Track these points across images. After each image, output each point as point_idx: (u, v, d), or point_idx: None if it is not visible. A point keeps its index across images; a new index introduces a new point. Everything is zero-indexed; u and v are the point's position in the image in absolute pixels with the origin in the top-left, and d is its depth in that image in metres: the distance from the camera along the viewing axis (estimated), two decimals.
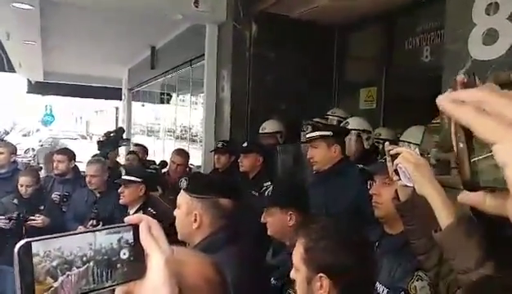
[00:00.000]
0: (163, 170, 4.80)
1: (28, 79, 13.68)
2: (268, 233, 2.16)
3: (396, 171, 1.34)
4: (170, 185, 4.02)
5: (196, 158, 5.50)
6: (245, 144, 3.64)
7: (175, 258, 0.59)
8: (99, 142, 5.11)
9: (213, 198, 1.90)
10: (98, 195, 3.68)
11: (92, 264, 0.52)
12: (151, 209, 3.07)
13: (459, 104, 0.41)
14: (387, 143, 1.50)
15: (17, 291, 0.48)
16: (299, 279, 1.35)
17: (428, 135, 2.67)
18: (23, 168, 4.46)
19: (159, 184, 4.09)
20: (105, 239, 0.54)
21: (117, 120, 18.05)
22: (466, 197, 0.47)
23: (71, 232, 0.54)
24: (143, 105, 11.68)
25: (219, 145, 4.13)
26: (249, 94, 4.65)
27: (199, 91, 6.20)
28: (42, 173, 4.77)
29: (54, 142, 15.36)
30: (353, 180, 2.44)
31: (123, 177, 3.23)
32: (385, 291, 1.64)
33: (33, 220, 3.53)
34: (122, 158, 6.07)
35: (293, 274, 1.39)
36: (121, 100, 12.56)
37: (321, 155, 2.76)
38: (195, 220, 1.84)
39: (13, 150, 4.43)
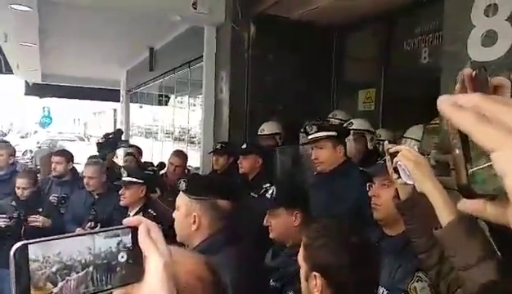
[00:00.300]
0: (161, 171, 4.78)
1: (26, 81, 13.66)
2: (271, 236, 2.12)
3: (395, 169, 1.32)
4: (169, 187, 4.01)
5: (195, 160, 5.49)
6: (245, 146, 3.63)
7: (171, 259, 0.59)
8: (98, 144, 5.09)
9: (212, 200, 1.90)
10: (96, 197, 3.66)
11: (91, 268, 0.52)
12: (152, 211, 3.06)
13: (459, 109, 0.40)
14: (386, 142, 1.49)
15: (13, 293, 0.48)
16: (302, 276, 1.36)
17: (427, 136, 2.67)
18: (21, 170, 4.44)
19: (157, 186, 4.08)
20: (104, 243, 0.54)
21: (115, 122, 18.08)
22: (466, 204, 0.46)
23: (68, 234, 0.54)
24: (141, 107, 11.68)
25: (218, 147, 4.12)
26: (247, 95, 4.65)
27: (198, 93, 6.20)
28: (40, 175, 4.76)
29: (52, 144, 15.36)
30: (356, 182, 2.42)
31: (124, 178, 3.20)
32: (385, 292, 1.64)
33: (34, 220, 3.52)
34: (119, 160, 6.05)
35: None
36: (119, 101, 12.55)
37: (326, 156, 2.74)
38: (194, 221, 1.84)
39: (12, 152, 4.43)
